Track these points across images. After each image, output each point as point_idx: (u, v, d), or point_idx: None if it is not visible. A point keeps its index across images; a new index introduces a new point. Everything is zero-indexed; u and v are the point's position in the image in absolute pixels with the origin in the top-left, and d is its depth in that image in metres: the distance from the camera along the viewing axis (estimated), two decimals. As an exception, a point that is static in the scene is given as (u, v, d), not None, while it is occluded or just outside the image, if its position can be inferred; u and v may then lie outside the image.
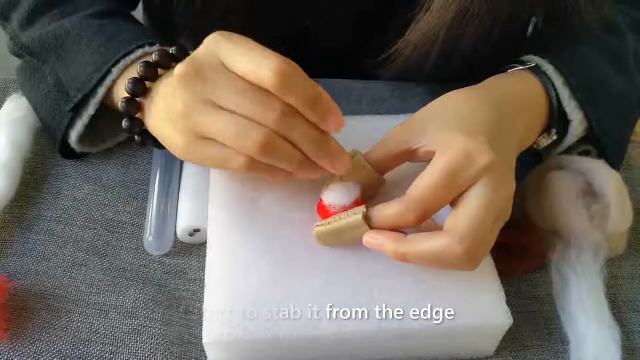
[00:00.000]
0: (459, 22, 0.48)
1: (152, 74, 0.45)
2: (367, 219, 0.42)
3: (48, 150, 0.55)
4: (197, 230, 0.49)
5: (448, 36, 0.49)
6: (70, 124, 0.50)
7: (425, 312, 0.42)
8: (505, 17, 0.49)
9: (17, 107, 0.55)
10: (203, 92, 0.40)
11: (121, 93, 0.46)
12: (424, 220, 0.41)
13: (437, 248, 0.40)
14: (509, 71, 0.50)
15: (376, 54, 0.53)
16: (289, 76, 0.38)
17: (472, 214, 0.39)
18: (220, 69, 0.40)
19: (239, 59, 0.39)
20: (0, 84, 0.60)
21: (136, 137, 0.47)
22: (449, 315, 0.42)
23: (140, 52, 0.48)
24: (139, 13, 0.67)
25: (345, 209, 0.44)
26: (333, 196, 0.44)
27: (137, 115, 0.46)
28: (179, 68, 0.40)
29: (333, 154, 0.41)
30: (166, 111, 0.43)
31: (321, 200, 0.45)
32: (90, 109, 0.49)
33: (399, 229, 0.42)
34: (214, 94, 0.39)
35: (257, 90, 0.39)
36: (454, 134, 0.41)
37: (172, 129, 0.42)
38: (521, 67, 0.49)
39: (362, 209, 0.42)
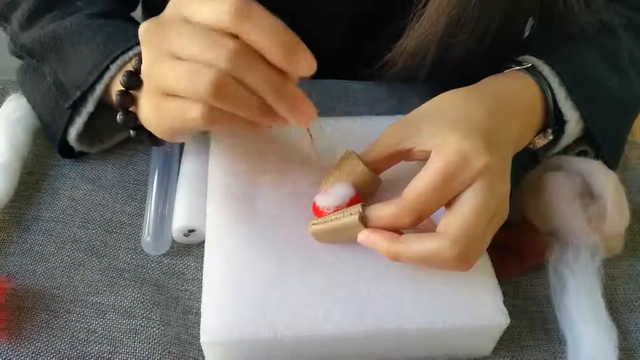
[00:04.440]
0: (451, 31, 0.48)
1: None
2: (363, 219, 0.42)
3: (46, 150, 0.55)
4: (191, 231, 0.49)
5: (441, 44, 0.49)
6: (69, 122, 0.50)
7: (423, 312, 0.42)
8: (498, 24, 0.49)
9: (15, 107, 0.55)
10: (162, 46, 0.38)
11: (119, 89, 0.46)
12: (419, 222, 0.41)
13: (429, 250, 0.40)
14: (504, 71, 0.50)
15: (369, 62, 0.53)
16: (244, 11, 0.36)
17: (465, 217, 0.39)
18: (180, 21, 0.38)
19: (196, 6, 0.37)
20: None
21: (131, 131, 0.47)
22: (446, 315, 0.42)
23: (138, 49, 0.48)
24: (138, 14, 0.67)
25: (339, 208, 0.44)
26: (326, 198, 0.44)
27: (131, 109, 0.46)
28: (142, 25, 0.39)
29: (292, 99, 0.38)
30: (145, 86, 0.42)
31: (315, 202, 0.45)
32: (89, 106, 0.49)
33: (394, 230, 0.42)
34: (171, 44, 0.38)
35: (209, 32, 0.37)
36: (448, 134, 0.41)
37: (144, 94, 0.41)
38: (517, 67, 0.50)
39: (358, 208, 0.42)
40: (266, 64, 0.37)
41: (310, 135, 0.46)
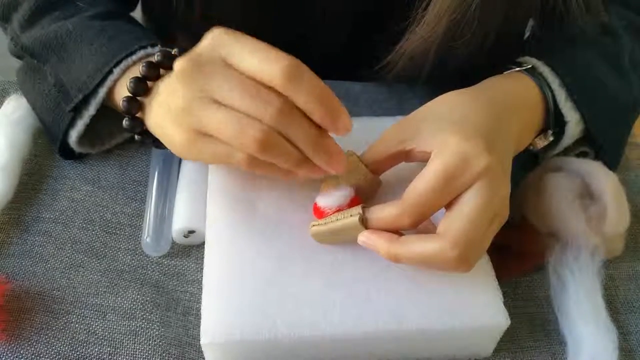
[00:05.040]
0: (452, 34, 0.48)
1: (154, 73, 0.45)
2: (363, 220, 0.42)
3: (46, 151, 0.55)
4: (191, 232, 0.49)
5: (441, 47, 0.49)
6: (71, 124, 0.50)
7: (423, 313, 0.42)
8: (498, 27, 0.49)
9: (15, 108, 0.55)
10: (202, 87, 0.39)
11: (122, 93, 0.46)
12: (419, 223, 0.41)
13: (429, 251, 0.40)
14: (505, 72, 0.50)
15: (369, 63, 0.53)
16: (297, 73, 0.38)
17: (466, 218, 0.39)
18: (220, 64, 0.39)
19: (245, 55, 0.39)
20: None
21: (136, 136, 0.47)
22: (446, 316, 0.42)
23: (142, 52, 0.48)
24: (137, 14, 0.67)
25: (340, 208, 0.44)
26: (327, 199, 0.44)
27: (137, 115, 0.46)
28: (179, 63, 0.40)
29: (330, 153, 0.41)
30: (167, 108, 0.43)
31: (315, 203, 0.45)
32: (91, 109, 0.49)
33: (395, 231, 0.42)
34: (214, 89, 0.39)
35: (257, 86, 0.38)
36: (449, 135, 0.41)
37: (172, 125, 0.42)
38: (517, 69, 0.50)
39: (358, 209, 0.42)
40: (308, 121, 0.40)
41: None
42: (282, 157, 0.40)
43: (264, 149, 0.39)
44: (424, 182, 0.40)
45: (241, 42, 0.39)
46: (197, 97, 0.39)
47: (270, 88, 0.38)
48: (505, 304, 0.43)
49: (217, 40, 0.40)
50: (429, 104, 0.45)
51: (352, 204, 0.44)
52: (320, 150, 0.41)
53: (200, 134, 0.41)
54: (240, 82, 0.39)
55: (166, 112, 0.43)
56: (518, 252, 0.50)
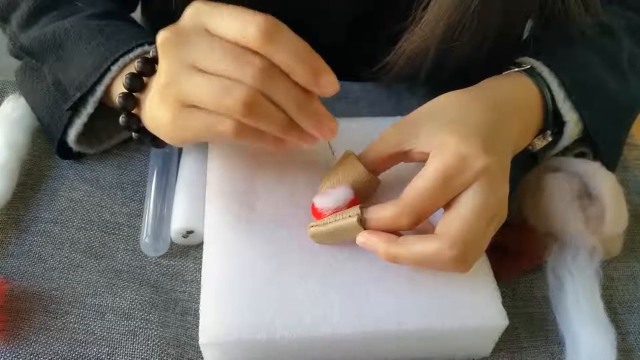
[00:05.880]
0: (450, 35, 0.48)
1: (149, 68, 0.44)
2: (361, 221, 0.42)
3: (45, 151, 0.55)
4: (190, 232, 0.49)
5: (440, 48, 0.49)
6: (69, 123, 0.50)
7: (421, 313, 0.42)
8: (497, 28, 0.49)
9: (14, 108, 0.55)
10: (184, 57, 0.39)
11: (120, 90, 0.46)
12: (418, 224, 0.41)
13: (427, 251, 0.40)
14: (503, 73, 0.50)
15: (368, 63, 0.53)
16: (275, 31, 0.37)
17: (464, 218, 0.39)
18: (201, 32, 0.39)
19: (222, 19, 0.38)
20: (-2, 85, 0.60)
21: (133, 134, 0.47)
22: (445, 316, 0.42)
23: (139, 50, 0.48)
24: (136, 15, 0.67)
25: (339, 209, 0.44)
26: (325, 199, 0.44)
27: (134, 111, 0.46)
28: (160, 35, 0.40)
29: (317, 115, 0.40)
30: (154, 90, 0.42)
31: (313, 203, 0.45)
32: (89, 108, 0.49)
33: (393, 231, 0.42)
34: (195, 57, 0.38)
35: (237, 49, 0.38)
36: (447, 136, 0.41)
37: (158, 105, 0.41)
38: (516, 69, 0.50)
39: (356, 210, 0.42)
40: (291, 82, 0.38)
41: (331, 148, 0.47)
42: (268, 121, 0.39)
43: (249, 110, 0.37)
44: (422, 182, 0.40)
45: (219, 8, 0.39)
46: (178, 67, 0.39)
47: (251, 50, 0.38)
48: (504, 304, 0.43)
49: (196, 9, 0.39)
50: (428, 104, 0.45)
51: (350, 204, 0.44)
52: (307, 113, 0.39)
53: (185, 106, 0.40)
54: (219, 46, 0.38)
55: (153, 93, 0.42)
56: (516, 252, 0.50)
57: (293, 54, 0.38)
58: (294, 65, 0.38)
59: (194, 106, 0.39)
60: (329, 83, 0.39)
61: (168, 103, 0.40)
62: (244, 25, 0.37)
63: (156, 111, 0.42)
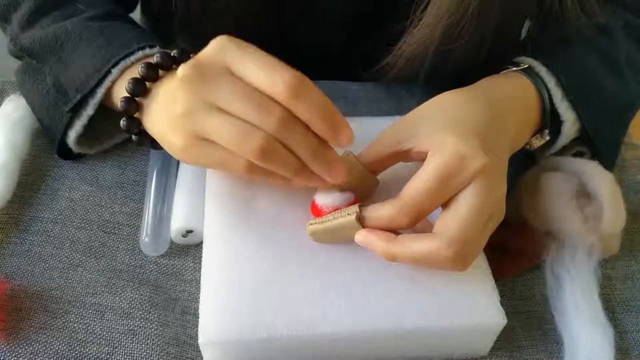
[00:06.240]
0: (449, 36, 0.48)
1: (152, 74, 0.45)
2: (360, 219, 0.42)
3: (45, 151, 0.55)
4: (190, 231, 0.49)
5: (439, 49, 0.49)
6: (69, 124, 0.51)
7: (420, 312, 0.42)
8: (495, 29, 0.49)
9: (14, 108, 0.55)
10: (205, 94, 0.40)
11: (120, 93, 0.46)
12: (416, 223, 0.41)
13: (425, 250, 0.40)
14: (501, 72, 0.50)
15: (367, 64, 0.54)
16: (301, 88, 0.38)
17: (462, 217, 0.40)
18: (224, 72, 0.40)
19: (249, 66, 0.39)
20: (-2, 85, 0.60)
21: (134, 136, 0.48)
22: (443, 315, 0.42)
23: (140, 53, 0.48)
24: (135, 15, 0.67)
25: (338, 209, 0.44)
26: (325, 197, 0.44)
27: (135, 115, 0.46)
28: (183, 69, 0.40)
29: (329, 162, 0.41)
30: (166, 111, 0.43)
31: (314, 201, 0.45)
32: (89, 109, 0.49)
33: (392, 230, 0.42)
34: (216, 96, 0.39)
35: (260, 95, 0.39)
36: (446, 136, 0.41)
37: (171, 128, 0.42)
38: (514, 69, 0.50)
39: (355, 208, 0.42)
40: (308, 131, 0.40)
41: None
42: (282, 165, 0.40)
43: (264, 156, 0.39)
44: (421, 181, 0.40)
45: (245, 50, 0.39)
46: (198, 103, 0.40)
47: (272, 98, 0.39)
48: (502, 303, 0.43)
49: (220, 47, 0.40)
50: (426, 103, 0.45)
51: (350, 203, 0.44)
52: (320, 160, 0.41)
53: (200, 139, 0.41)
54: (242, 90, 0.39)
55: (165, 114, 0.43)
56: (515, 252, 0.50)
57: (315, 110, 0.39)
58: (315, 121, 0.39)
59: (210, 140, 0.40)
60: (346, 137, 0.40)
61: (183, 132, 0.41)
62: (272, 79, 0.38)
63: (168, 136, 0.43)
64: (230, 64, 0.39)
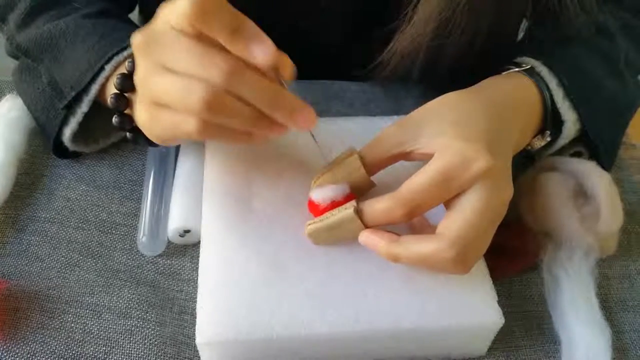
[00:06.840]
0: (441, 32, 0.48)
1: None
2: (358, 212, 0.42)
3: (42, 151, 0.55)
4: (187, 231, 0.49)
5: (432, 46, 0.49)
6: (64, 122, 0.50)
7: (418, 312, 0.42)
8: (489, 25, 0.49)
9: (11, 108, 0.55)
10: (155, 57, 0.39)
11: (113, 90, 0.46)
12: (412, 217, 0.41)
13: (427, 251, 0.40)
14: (503, 73, 0.50)
15: (362, 63, 0.53)
16: (204, 6, 0.36)
17: (466, 219, 0.40)
18: (170, 32, 0.38)
19: (176, 11, 0.38)
20: (-5, 85, 0.60)
21: (127, 133, 0.47)
22: (441, 315, 0.42)
23: (131, 50, 0.48)
24: (135, 16, 0.67)
25: (335, 203, 0.44)
26: (320, 191, 0.44)
27: (126, 111, 0.46)
28: (134, 38, 0.40)
29: (291, 106, 0.39)
30: (137, 91, 0.42)
31: (310, 198, 0.45)
32: (84, 106, 0.49)
33: (390, 224, 0.42)
34: (165, 58, 0.38)
35: (205, 48, 0.37)
36: (451, 139, 0.41)
37: (139, 105, 0.41)
38: (516, 69, 0.50)
39: (352, 203, 0.42)
40: (261, 76, 0.38)
41: (314, 137, 0.46)
42: (235, 117, 0.38)
43: (212, 108, 0.37)
44: (421, 177, 0.40)
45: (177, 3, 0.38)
46: (151, 67, 0.39)
47: (221, 50, 0.37)
48: (500, 303, 0.43)
49: (168, 10, 0.39)
50: (429, 104, 0.45)
51: (347, 199, 0.44)
52: (279, 105, 0.38)
53: (156, 106, 0.40)
54: (187, 46, 0.38)
55: (136, 94, 0.42)
56: (512, 252, 0.50)
57: (226, 25, 0.37)
58: (229, 38, 0.37)
59: (163, 105, 0.39)
60: (263, 51, 0.37)
61: (144, 103, 0.41)
62: (177, 7, 0.37)
63: (137, 111, 0.42)
64: (171, 20, 0.38)
